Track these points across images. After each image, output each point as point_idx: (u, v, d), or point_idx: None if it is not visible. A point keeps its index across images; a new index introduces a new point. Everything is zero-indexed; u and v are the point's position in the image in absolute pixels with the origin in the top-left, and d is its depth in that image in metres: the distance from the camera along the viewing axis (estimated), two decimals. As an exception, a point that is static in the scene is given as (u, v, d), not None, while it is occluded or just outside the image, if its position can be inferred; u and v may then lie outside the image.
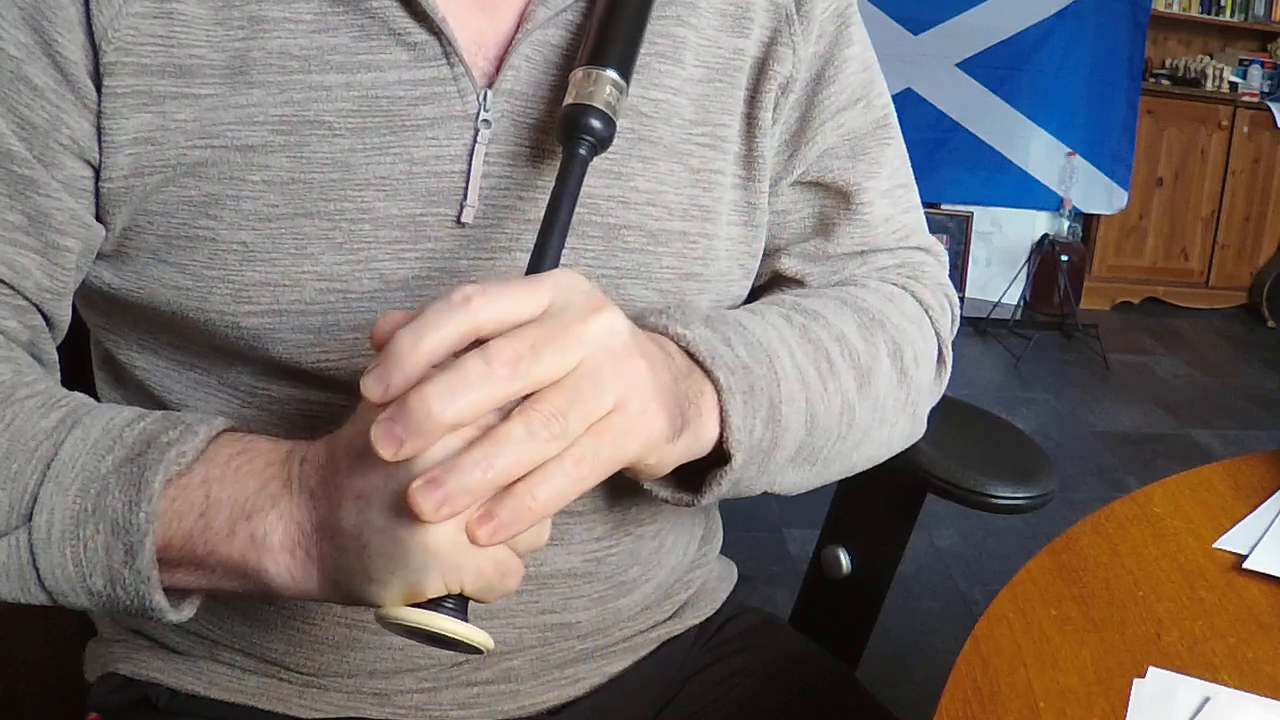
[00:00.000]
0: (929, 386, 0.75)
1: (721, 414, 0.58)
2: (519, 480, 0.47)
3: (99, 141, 0.59)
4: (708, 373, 0.59)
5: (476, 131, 0.62)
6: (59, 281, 0.61)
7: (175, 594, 0.54)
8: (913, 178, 0.79)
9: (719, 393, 0.58)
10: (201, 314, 0.61)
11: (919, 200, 0.80)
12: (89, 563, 0.52)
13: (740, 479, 0.61)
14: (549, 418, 0.47)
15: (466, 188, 0.62)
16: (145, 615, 0.54)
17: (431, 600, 0.49)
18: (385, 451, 0.45)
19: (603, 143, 0.59)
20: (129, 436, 0.53)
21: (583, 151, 0.58)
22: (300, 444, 0.54)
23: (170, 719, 0.71)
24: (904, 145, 0.79)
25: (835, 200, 0.75)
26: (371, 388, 0.46)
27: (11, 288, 0.60)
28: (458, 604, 0.50)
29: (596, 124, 0.58)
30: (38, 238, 0.59)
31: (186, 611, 0.55)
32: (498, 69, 0.64)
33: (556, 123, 0.59)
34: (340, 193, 0.60)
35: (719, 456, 0.60)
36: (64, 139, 0.59)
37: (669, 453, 0.55)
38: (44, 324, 0.63)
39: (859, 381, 0.67)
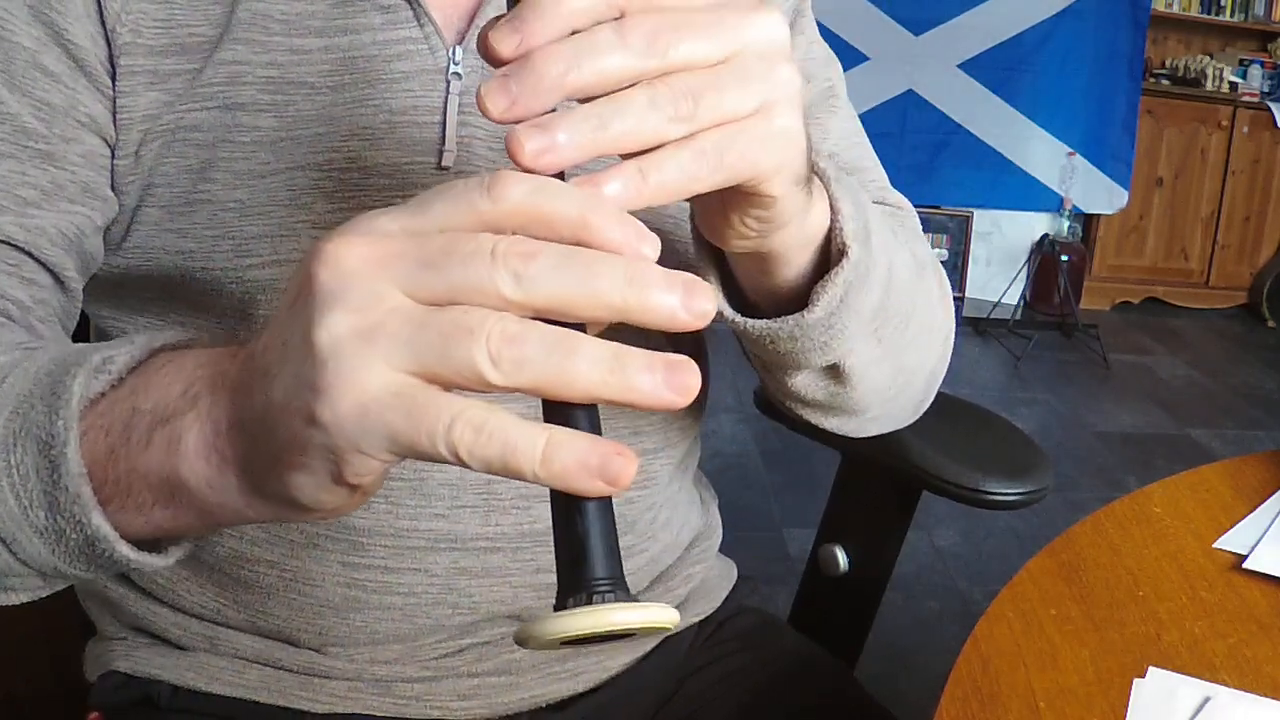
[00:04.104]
0: (950, 322, 0.73)
1: (832, 204, 0.54)
2: (630, 156, 0.41)
3: (114, 120, 0.63)
4: (811, 164, 0.51)
5: (449, 84, 0.66)
6: (70, 239, 0.62)
7: (146, 547, 0.47)
8: (872, 150, 0.78)
9: (826, 184, 0.54)
10: (207, 274, 0.64)
11: (882, 170, 0.79)
12: (26, 491, 0.45)
13: (844, 297, 0.56)
14: (679, 95, 0.41)
15: (444, 136, 0.66)
16: (93, 551, 0.46)
17: (575, 587, 0.37)
18: (494, 106, 0.40)
19: None
20: (71, 357, 0.47)
21: None
22: (245, 345, 0.44)
23: (172, 715, 0.71)
24: (858, 122, 0.79)
25: None
26: (505, 39, 0.40)
27: (28, 254, 0.60)
28: (613, 579, 0.38)
29: None
30: (53, 209, 0.61)
31: (158, 560, 0.48)
32: (469, 27, 0.67)
33: None
34: (327, 144, 0.64)
35: (805, 298, 0.56)
36: (82, 117, 0.62)
37: (795, 199, 0.49)
38: (53, 299, 0.61)
39: (917, 269, 0.65)
